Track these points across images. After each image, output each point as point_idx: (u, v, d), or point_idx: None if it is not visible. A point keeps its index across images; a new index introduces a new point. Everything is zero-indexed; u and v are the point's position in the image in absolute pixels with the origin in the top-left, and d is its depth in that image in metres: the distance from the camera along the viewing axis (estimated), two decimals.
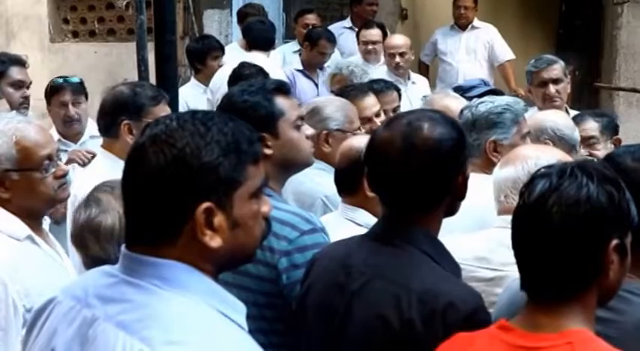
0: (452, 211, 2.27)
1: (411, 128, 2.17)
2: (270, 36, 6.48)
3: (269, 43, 6.42)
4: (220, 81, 5.50)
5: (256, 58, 6.01)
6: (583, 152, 3.95)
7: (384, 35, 6.93)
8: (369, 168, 2.27)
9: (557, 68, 4.74)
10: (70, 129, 4.85)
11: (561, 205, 1.72)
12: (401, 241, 2.19)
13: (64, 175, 2.79)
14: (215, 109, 4.97)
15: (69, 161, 4.36)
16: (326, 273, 2.31)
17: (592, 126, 4.14)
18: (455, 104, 3.79)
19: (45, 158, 2.73)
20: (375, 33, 6.91)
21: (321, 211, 3.31)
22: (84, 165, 4.20)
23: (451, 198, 2.22)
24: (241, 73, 5.19)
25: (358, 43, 7.00)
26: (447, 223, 2.27)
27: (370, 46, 6.85)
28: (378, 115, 4.13)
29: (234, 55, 6.46)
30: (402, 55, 6.56)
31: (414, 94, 6.26)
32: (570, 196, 1.73)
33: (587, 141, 4.07)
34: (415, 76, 6.80)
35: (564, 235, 1.72)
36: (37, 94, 5.03)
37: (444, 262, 2.20)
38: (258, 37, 6.39)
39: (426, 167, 2.14)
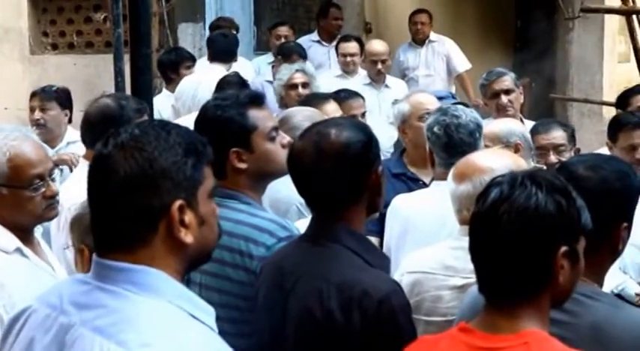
0: (374, 208, 2.43)
1: (319, 136, 2.36)
2: (231, 49, 6.54)
3: (229, 55, 6.47)
4: (183, 88, 5.56)
5: (215, 70, 6.03)
6: (553, 159, 4.06)
7: (361, 48, 7.12)
8: (291, 177, 2.44)
9: (508, 80, 4.83)
10: (38, 134, 4.90)
11: (511, 212, 1.78)
12: (326, 239, 2.35)
13: (54, 195, 2.78)
14: (179, 116, 5.08)
15: (59, 162, 4.34)
16: (266, 276, 2.48)
17: (561, 134, 4.24)
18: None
19: (35, 177, 2.72)
20: (352, 46, 7.11)
21: (295, 218, 3.35)
22: (72, 168, 4.21)
23: (369, 195, 2.38)
24: (224, 81, 5.24)
25: (337, 56, 7.21)
26: None
27: (349, 58, 7.04)
28: None
29: (199, 66, 6.54)
30: (383, 62, 6.79)
31: (386, 97, 6.44)
32: (520, 205, 1.79)
33: (557, 148, 4.17)
34: (391, 80, 6.96)
35: (514, 241, 1.78)
36: (17, 104, 5.07)
37: (369, 255, 2.35)
38: (218, 50, 6.48)
39: (336, 169, 2.32)
